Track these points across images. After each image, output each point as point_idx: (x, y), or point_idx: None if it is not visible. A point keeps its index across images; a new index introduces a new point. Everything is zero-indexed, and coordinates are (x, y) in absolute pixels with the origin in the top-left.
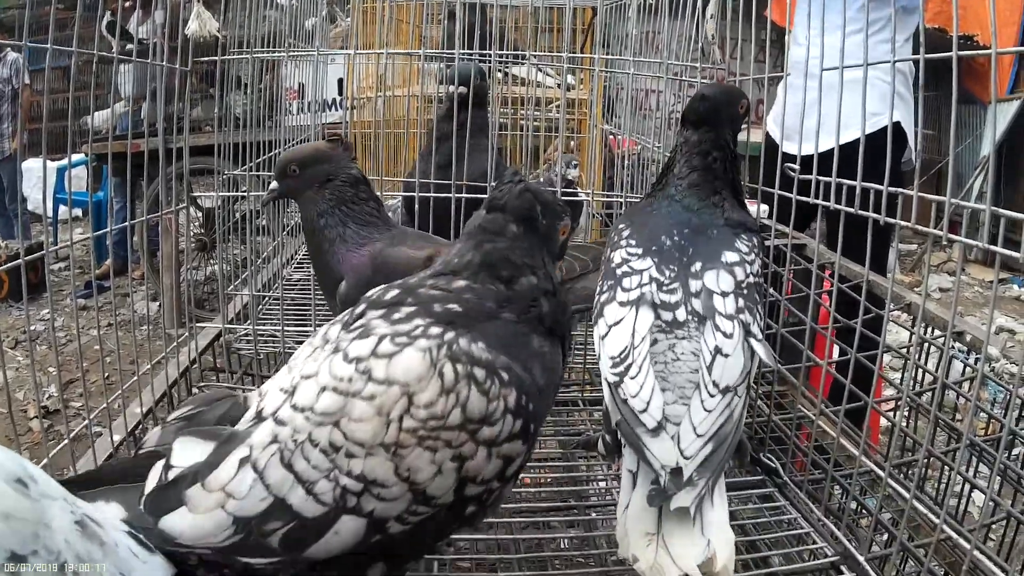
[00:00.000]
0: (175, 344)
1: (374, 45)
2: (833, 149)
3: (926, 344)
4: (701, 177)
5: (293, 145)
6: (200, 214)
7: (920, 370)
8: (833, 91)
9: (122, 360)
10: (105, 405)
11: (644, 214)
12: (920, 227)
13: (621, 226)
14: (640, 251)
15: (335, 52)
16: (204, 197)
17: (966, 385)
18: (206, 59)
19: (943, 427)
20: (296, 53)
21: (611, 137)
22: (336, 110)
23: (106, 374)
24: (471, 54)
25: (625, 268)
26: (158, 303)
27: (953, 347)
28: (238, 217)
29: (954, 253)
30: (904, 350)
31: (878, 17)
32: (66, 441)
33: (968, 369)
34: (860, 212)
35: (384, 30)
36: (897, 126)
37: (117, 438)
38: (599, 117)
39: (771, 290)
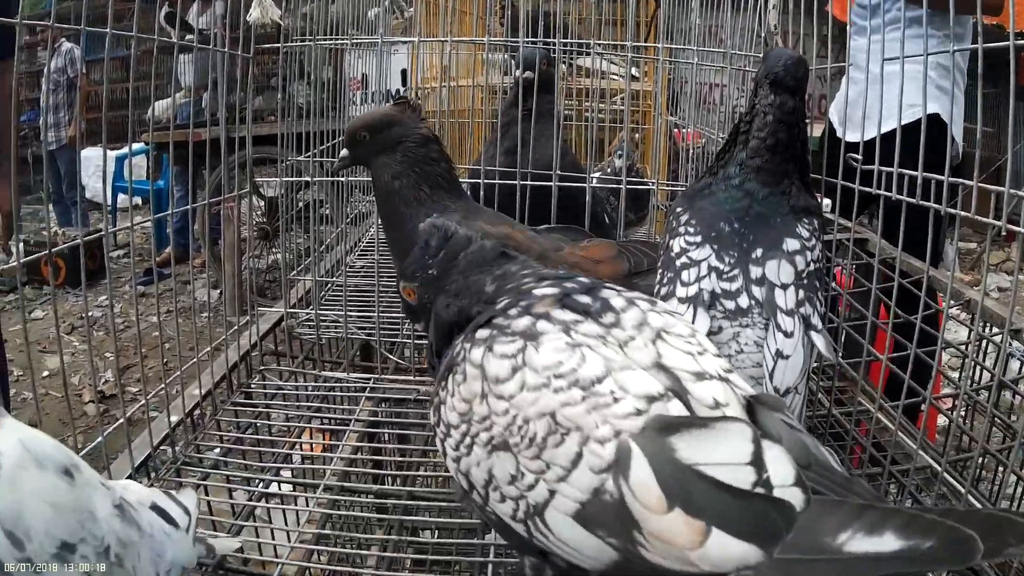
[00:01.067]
0: (235, 328)
1: (437, 35)
2: (875, 138)
3: (984, 342)
4: (773, 159)
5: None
6: (262, 203)
7: (978, 368)
8: (887, 81)
9: (181, 347)
10: (163, 386)
11: (702, 197)
12: (981, 217)
13: (679, 210)
14: (699, 239)
15: (398, 40)
16: (267, 184)
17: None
18: (268, 46)
19: (999, 426)
20: (359, 39)
21: (676, 130)
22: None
23: (164, 360)
24: (535, 41)
25: (684, 259)
26: (219, 291)
27: (1011, 345)
28: (300, 206)
29: (1013, 252)
30: (963, 347)
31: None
32: (121, 420)
33: None
34: (921, 203)
35: (448, 20)
36: (936, 118)
37: (175, 419)
38: (664, 108)
39: (833, 284)
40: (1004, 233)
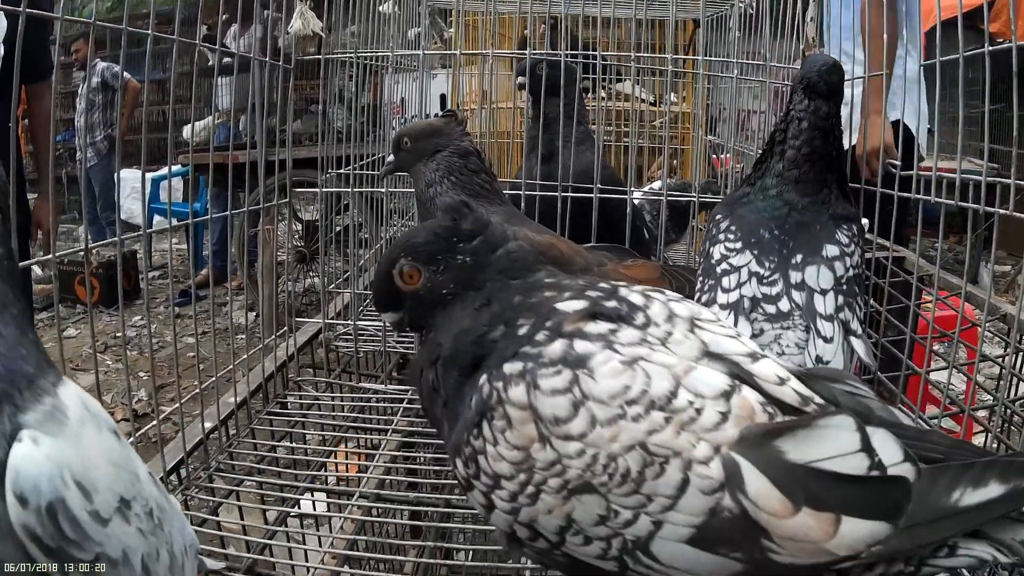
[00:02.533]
0: (273, 337)
1: (477, 58)
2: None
3: (1021, 355)
4: (812, 168)
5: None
6: (300, 226)
7: (1016, 379)
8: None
9: (218, 368)
10: (198, 390)
11: (741, 205)
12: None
13: (719, 217)
14: (739, 244)
15: (439, 51)
16: (304, 208)
17: None
18: (310, 57)
19: None
20: (401, 52)
21: (714, 157)
22: None
23: (199, 381)
24: (551, 54)
25: (724, 265)
26: (255, 313)
27: None
28: (339, 229)
29: None
30: (1000, 359)
31: None
32: (155, 422)
33: None
34: (961, 204)
35: (487, 42)
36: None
37: (208, 425)
38: (703, 125)
39: (871, 301)
40: None
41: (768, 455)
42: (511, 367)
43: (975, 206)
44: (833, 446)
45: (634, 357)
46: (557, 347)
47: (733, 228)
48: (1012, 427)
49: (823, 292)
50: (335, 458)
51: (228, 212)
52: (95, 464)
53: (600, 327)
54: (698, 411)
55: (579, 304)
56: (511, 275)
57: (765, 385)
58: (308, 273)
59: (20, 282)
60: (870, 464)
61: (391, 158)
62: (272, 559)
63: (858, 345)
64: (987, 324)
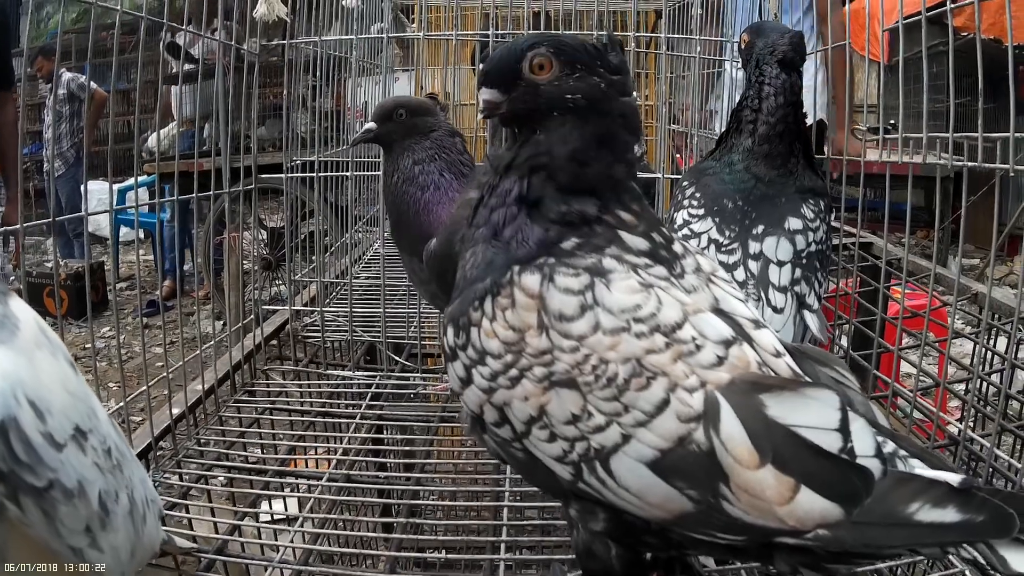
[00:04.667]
0: (239, 326)
1: (439, 58)
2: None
3: (994, 330)
4: (782, 142)
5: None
6: (265, 234)
7: (989, 355)
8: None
9: (187, 376)
10: (166, 373)
11: (708, 175)
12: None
13: (685, 183)
14: (702, 211)
15: (403, 34)
16: (270, 208)
17: None
18: (274, 43)
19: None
20: (365, 36)
21: (677, 156)
22: None
23: (168, 390)
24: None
25: (686, 231)
26: (223, 322)
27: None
28: (303, 236)
29: (1016, 266)
30: (974, 335)
31: None
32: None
33: None
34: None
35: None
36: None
37: (176, 411)
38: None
39: (841, 284)
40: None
41: (750, 405)
42: (538, 260)
43: (944, 160)
44: (814, 417)
45: (653, 285)
46: (589, 259)
47: (698, 195)
48: (987, 404)
49: (779, 264)
50: (303, 443)
51: (173, 198)
52: (49, 387)
53: (638, 259)
54: (698, 347)
55: (643, 243)
56: (625, 134)
57: (762, 353)
58: (275, 281)
59: None
60: (842, 446)
61: (372, 125)
62: (242, 539)
63: (811, 320)
64: (958, 305)
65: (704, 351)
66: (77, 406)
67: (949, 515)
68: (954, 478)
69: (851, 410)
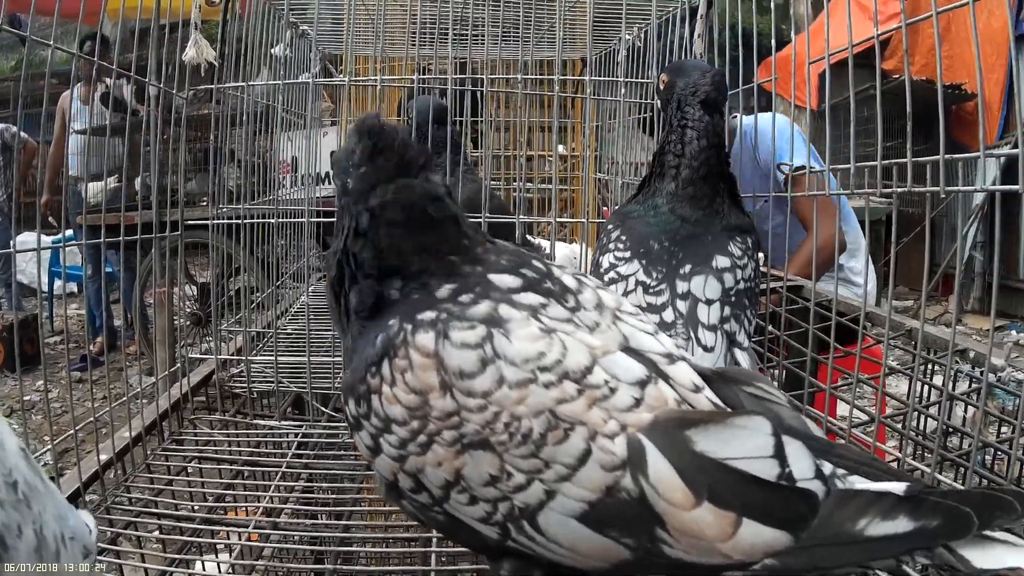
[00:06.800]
0: (165, 374)
1: (366, 107)
2: None
3: (930, 364)
4: (706, 184)
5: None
6: (195, 289)
7: (925, 387)
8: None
9: (114, 427)
10: (92, 419)
11: (633, 218)
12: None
13: (611, 227)
14: (628, 254)
15: (329, 80)
16: (200, 265)
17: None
18: (202, 87)
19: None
20: (291, 82)
21: (604, 208)
22: (330, 184)
23: (96, 442)
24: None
25: (612, 274)
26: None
27: (957, 364)
28: (231, 293)
29: (950, 305)
30: (909, 369)
31: None
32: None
33: (974, 383)
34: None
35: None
36: None
37: (104, 458)
38: (592, 162)
39: (770, 327)
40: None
41: (677, 443)
42: (424, 315)
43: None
44: (745, 446)
45: (555, 329)
46: (481, 308)
47: (623, 238)
48: (925, 437)
49: (708, 302)
50: (232, 491)
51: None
52: None
53: (531, 298)
54: (612, 390)
55: (513, 281)
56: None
57: (680, 390)
58: (205, 337)
59: None
60: (780, 472)
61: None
62: None
63: (742, 358)
64: (892, 343)
65: (619, 394)
66: None
67: (901, 525)
68: (898, 487)
69: (784, 433)
